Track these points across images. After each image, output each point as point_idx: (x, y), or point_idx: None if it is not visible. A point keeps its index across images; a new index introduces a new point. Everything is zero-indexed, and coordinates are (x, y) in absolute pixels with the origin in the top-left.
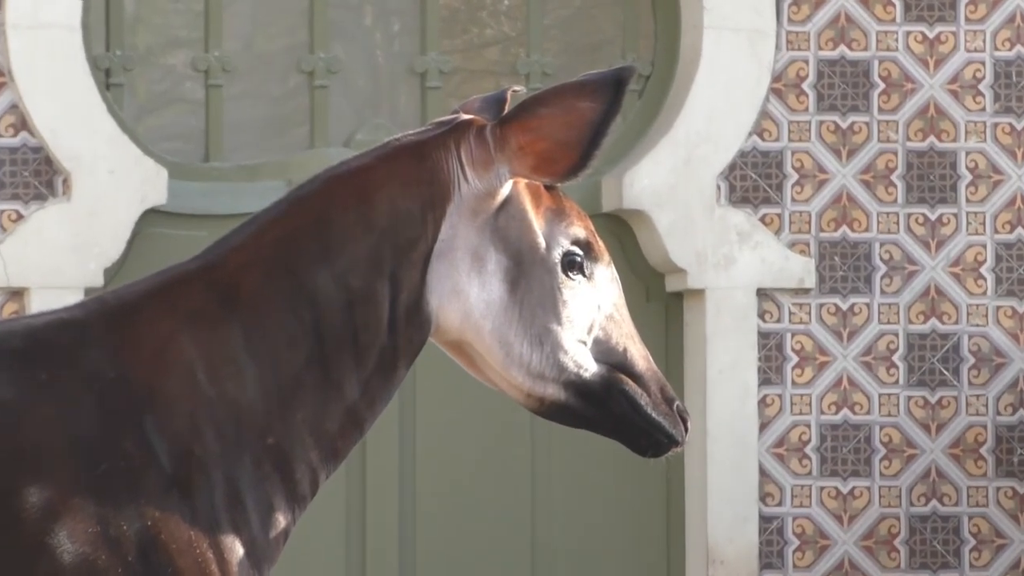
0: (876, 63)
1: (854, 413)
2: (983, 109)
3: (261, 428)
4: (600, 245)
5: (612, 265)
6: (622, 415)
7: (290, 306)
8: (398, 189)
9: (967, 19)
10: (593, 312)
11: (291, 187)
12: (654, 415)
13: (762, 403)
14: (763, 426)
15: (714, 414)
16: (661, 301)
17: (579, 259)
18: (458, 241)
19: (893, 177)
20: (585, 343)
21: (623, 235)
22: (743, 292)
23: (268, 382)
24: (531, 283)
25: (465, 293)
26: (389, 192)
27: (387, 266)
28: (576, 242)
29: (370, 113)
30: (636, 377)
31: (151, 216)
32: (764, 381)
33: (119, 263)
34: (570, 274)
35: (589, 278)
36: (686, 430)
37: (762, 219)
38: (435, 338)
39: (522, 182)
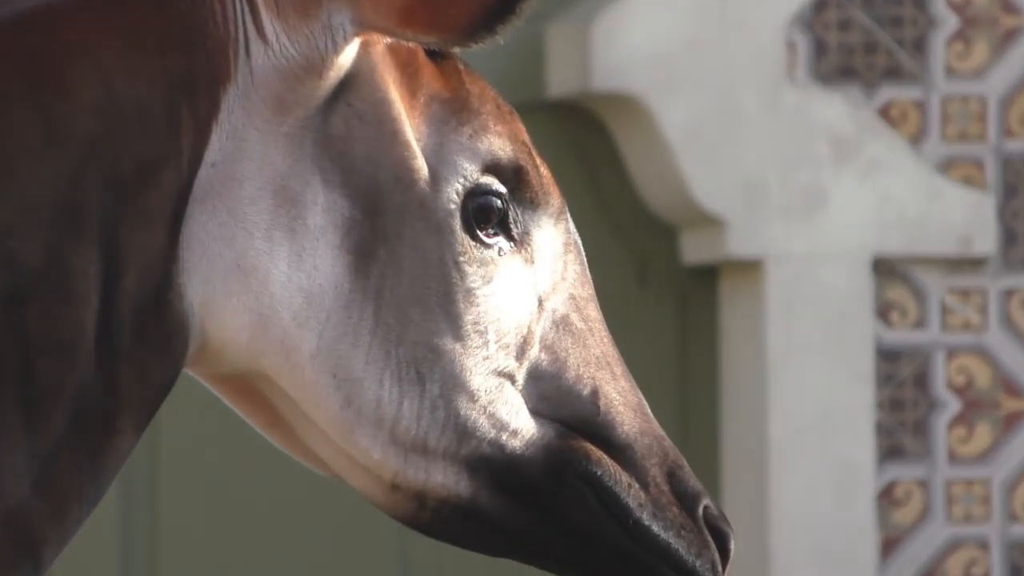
0: None
1: None
2: None
3: None
4: (542, 172)
5: (567, 214)
6: (588, 527)
7: None
8: (115, 58)
9: None
10: (527, 313)
11: None
12: (654, 528)
13: (886, 497)
14: (889, 544)
15: (786, 520)
16: (671, 285)
17: (498, 203)
18: (246, 166)
19: None
20: (512, 378)
21: (593, 150)
22: (844, 265)
23: None
24: (399, 253)
25: (262, 273)
26: (98, 63)
27: (93, 219)
28: (492, 167)
29: None
30: (617, 448)
31: None
32: (890, 452)
33: None
34: (482, 233)
35: (519, 242)
36: (724, 558)
37: (883, 111)
38: (196, 367)
39: (379, 44)
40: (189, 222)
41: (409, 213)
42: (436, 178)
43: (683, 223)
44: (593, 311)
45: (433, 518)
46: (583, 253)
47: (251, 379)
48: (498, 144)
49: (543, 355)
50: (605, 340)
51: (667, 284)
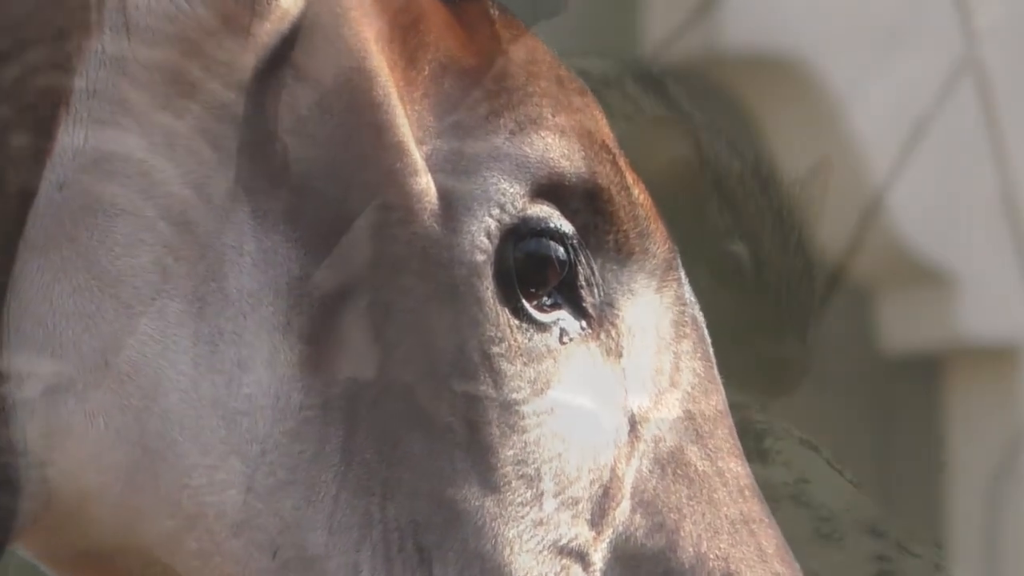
0: None
1: None
2: None
3: None
4: (636, 197)
5: (679, 270)
6: None
7: None
8: None
9: None
10: (610, 444)
11: None
12: None
13: None
14: None
15: None
16: (861, 383)
17: (560, 251)
18: (119, 189)
19: None
20: (585, 558)
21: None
22: None
23: None
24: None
25: (149, 377)
26: None
27: None
28: (550, 188)
29: None
30: None
31: None
32: None
33: None
34: (531, 305)
35: (597, 319)
36: None
37: None
38: (33, 542)
39: None
40: (19, 286)
41: (404, 269)
42: (452, 207)
43: (880, 279)
44: (725, 438)
45: None
46: (707, 338)
47: (128, 562)
48: (560, 148)
49: (638, 518)
50: (746, 490)
51: (853, 382)
